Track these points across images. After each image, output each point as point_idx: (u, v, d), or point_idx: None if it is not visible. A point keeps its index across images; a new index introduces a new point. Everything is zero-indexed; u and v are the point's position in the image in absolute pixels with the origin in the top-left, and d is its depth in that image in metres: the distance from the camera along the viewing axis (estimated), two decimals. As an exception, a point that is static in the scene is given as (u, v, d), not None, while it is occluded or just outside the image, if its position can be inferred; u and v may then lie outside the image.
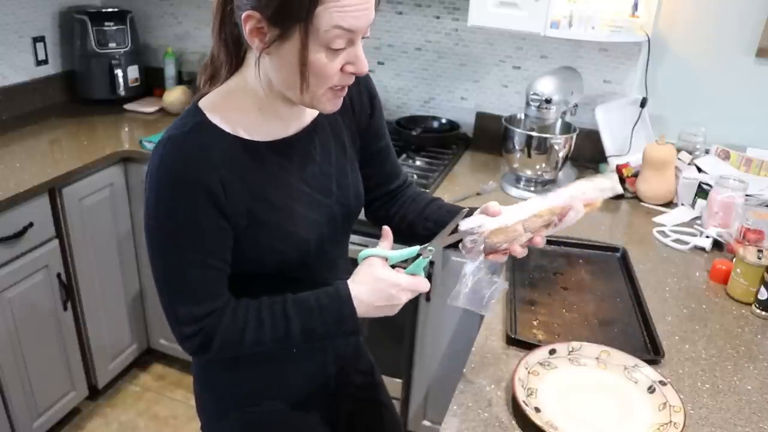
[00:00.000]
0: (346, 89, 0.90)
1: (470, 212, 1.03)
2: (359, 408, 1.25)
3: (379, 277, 0.92)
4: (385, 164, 1.14)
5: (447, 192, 1.88)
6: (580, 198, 0.97)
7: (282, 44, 0.82)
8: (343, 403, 1.20)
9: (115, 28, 2.44)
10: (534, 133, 1.83)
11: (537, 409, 0.98)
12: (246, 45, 0.88)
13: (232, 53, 0.90)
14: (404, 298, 0.93)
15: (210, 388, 1.10)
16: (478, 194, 1.88)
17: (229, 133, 0.89)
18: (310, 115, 0.99)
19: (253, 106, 0.91)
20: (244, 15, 0.81)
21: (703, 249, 1.59)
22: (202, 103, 0.91)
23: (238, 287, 0.95)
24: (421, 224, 1.12)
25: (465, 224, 0.97)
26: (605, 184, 0.99)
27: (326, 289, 0.94)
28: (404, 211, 1.15)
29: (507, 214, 0.97)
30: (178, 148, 0.85)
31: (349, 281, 0.93)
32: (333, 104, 0.90)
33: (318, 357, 1.10)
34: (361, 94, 1.06)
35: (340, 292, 0.92)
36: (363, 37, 0.85)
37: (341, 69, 0.85)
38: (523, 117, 1.92)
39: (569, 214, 0.96)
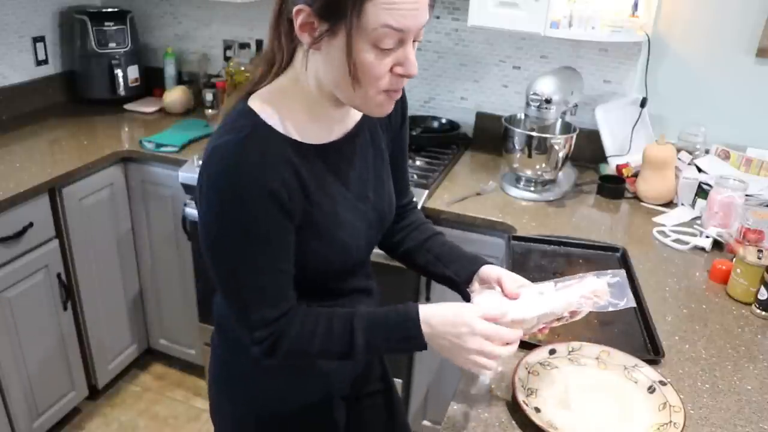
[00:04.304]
0: (400, 93, 0.87)
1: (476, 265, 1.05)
2: (372, 413, 1.24)
3: (458, 312, 0.89)
4: (399, 179, 1.12)
5: (447, 192, 1.88)
6: (588, 301, 0.98)
7: (331, 40, 0.80)
8: (357, 408, 1.20)
9: (115, 28, 2.44)
10: (534, 133, 1.83)
11: (537, 409, 0.98)
12: (297, 42, 0.86)
13: (284, 50, 0.88)
14: (473, 344, 0.87)
15: (227, 395, 1.09)
16: (478, 194, 1.88)
17: (284, 135, 0.87)
18: (353, 119, 0.97)
19: (302, 107, 0.89)
20: (295, 9, 0.80)
21: (703, 249, 1.59)
22: (253, 103, 0.88)
23: None
24: (422, 255, 1.12)
25: (484, 301, 0.98)
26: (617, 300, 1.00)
27: (396, 306, 0.92)
28: (404, 235, 1.14)
29: (526, 304, 0.96)
30: (238, 155, 0.82)
31: (425, 305, 0.91)
32: (385, 108, 0.88)
33: (334, 365, 1.08)
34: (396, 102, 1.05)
35: (409, 310, 0.90)
36: (415, 41, 0.83)
37: (391, 70, 0.83)
38: (523, 117, 1.92)
39: (579, 315, 0.99)
